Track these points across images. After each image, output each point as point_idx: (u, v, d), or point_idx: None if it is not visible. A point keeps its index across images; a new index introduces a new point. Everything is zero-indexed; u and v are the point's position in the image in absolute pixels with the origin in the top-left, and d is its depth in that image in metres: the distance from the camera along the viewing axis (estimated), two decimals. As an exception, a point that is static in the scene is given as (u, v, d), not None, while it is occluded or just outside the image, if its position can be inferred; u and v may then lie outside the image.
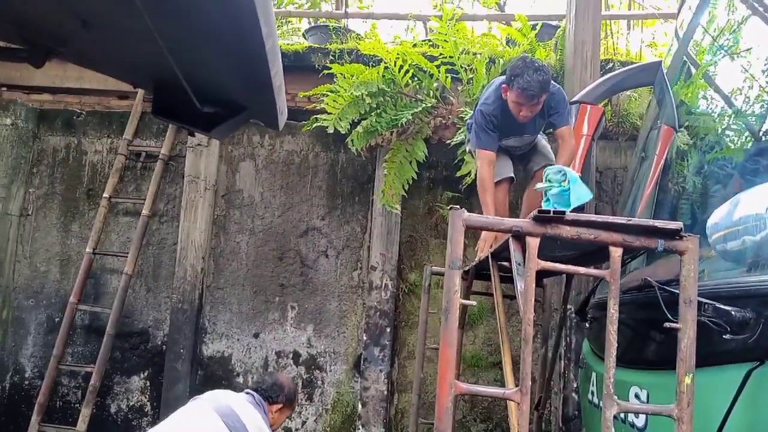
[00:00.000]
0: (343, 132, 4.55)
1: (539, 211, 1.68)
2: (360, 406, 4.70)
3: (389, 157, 4.63)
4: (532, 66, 2.99)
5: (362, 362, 4.75)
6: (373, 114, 4.66)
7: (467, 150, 4.07)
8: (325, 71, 4.78)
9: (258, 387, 2.92)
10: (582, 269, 1.74)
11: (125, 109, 5.28)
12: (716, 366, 1.78)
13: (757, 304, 1.72)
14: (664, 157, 3.47)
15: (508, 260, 2.20)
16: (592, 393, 2.89)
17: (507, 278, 3.51)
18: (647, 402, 2.21)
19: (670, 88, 3.55)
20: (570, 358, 4.38)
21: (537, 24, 5.32)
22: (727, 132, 3.16)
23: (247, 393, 2.85)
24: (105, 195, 4.97)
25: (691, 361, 1.68)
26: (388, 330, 4.72)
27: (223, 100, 0.93)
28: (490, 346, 4.94)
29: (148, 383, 5.06)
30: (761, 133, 2.75)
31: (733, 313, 1.74)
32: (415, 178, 4.65)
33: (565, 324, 3.26)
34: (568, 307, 3.23)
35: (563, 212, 1.68)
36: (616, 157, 5.07)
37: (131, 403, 5.06)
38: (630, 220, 1.72)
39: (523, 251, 1.91)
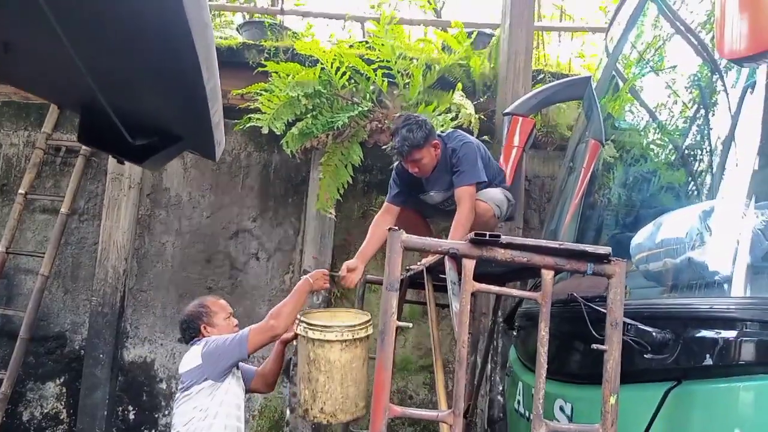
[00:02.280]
0: (278, 133, 4.46)
1: (476, 234, 1.70)
2: (288, 411, 4.64)
3: (325, 161, 4.58)
4: (405, 123, 3.02)
5: (292, 367, 4.69)
6: (309, 115, 4.60)
7: None
8: (260, 69, 4.68)
9: (183, 337, 2.93)
10: (515, 291, 1.77)
11: (45, 100, 4.98)
12: (637, 384, 1.86)
13: (676, 326, 1.80)
14: (590, 171, 3.60)
15: (443, 274, 2.22)
16: (519, 402, 2.96)
17: (439, 287, 3.56)
18: (571, 415, 2.28)
19: (598, 103, 3.67)
20: (497, 361, 4.49)
21: (473, 32, 5.39)
22: (651, 147, 3.31)
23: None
24: (21, 191, 4.68)
25: (616, 382, 1.74)
26: (319, 334, 4.67)
27: (157, 132, 0.88)
28: (419, 350, 4.99)
29: (64, 390, 4.81)
30: (684, 149, 2.90)
31: (654, 334, 1.82)
32: (351, 182, 4.62)
33: (494, 333, 3.32)
34: (498, 317, 3.30)
35: (498, 236, 1.71)
36: (545, 166, 5.22)
37: (45, 411, 4.80)
38: (561, 244, 1.77)
39: (459, 270, 1.93)
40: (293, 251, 4.97)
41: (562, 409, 2.35)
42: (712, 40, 2.85)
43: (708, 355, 1.67)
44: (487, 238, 1.68)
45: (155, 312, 4.87)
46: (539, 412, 1.71)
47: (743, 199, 1.85)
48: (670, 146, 3.06)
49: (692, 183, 2.33)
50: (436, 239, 1.82)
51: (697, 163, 2.29)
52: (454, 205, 3.14)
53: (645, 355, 1.84)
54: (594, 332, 2.04)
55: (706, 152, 2.23)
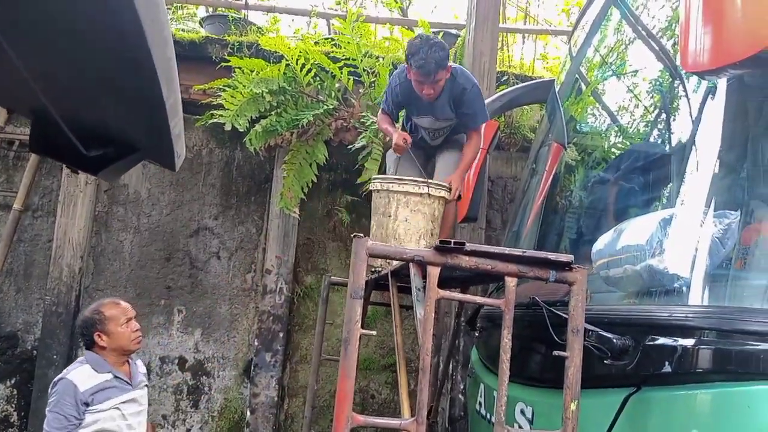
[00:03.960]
0: (242, 130, 4.39)
1: (440, 242, 1.69)
2: (249, 412, 4.58)
3: (289, 159, 4.53)
4: (427, 43, 3.02)
5: (253, 368, 4.63)
6: (273, 113, 4.54)
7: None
8: (223, 64, 4.60)
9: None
10: (479, 298, 1.78)
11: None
12: (598, 389, 1.88)
13: (636, 333, 1.83)
14: (552, 173, 3.64)
15: (408, 278, 2.21)
16: (480, 404, 2.98)
17: (404, 288, 3.56)
18: (532, 418, 2.31)
19: (561, 107, 3.72)
20: (458, 360, 4.51)
21: (439, 32, 5.40)
22: (612, 151, 3.37)
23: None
24: (-30, 186, 4.50)
25: (577, 388, 1.76)
26: (281, 335, 4.63)
27: (113, 143, 0.84)
28: (382, 349, 4.99)
29: (15, 392, 4.65)
30: (644, 155, 2.95)
31: (614, 340, 1.84)
32: (315, 180, 4.58)
33: (458, 335, 3.33)
34: (461, 319, 3.31)
35: (463, 243, 1.71)
36: (508, 167, 5.26)
37: (-6, 414, 4.64)
38: (525, 252, 1.78)
39: (423, 275, 1.93)
40: (255, 250, 4.90)
41: (522, 412, 2.37)
42: (674, 46, 2.92)
43: (667, 362, 1.69)
44: (452, 245, 1.68)
45: (112, 311, 4.75)
46: (501, 419, 1.72)
47: (702, 207, 1.88)
48: (631, 151, 3.12)
49: (652, 189, 2.37)
50: (400, 247, 1.81)
51: (657, 170, 2.33)
52: (440, 138, 3.47)
53: (605, 362, 1.87)
54: (555, 337, 2.06)
55: (666, 159, 2.28)
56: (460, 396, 4.69)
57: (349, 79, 4.79)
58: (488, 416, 2.77)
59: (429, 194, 2.72)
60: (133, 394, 2.70)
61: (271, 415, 4.54)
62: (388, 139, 3.69)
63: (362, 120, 4.65)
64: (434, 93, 3.14)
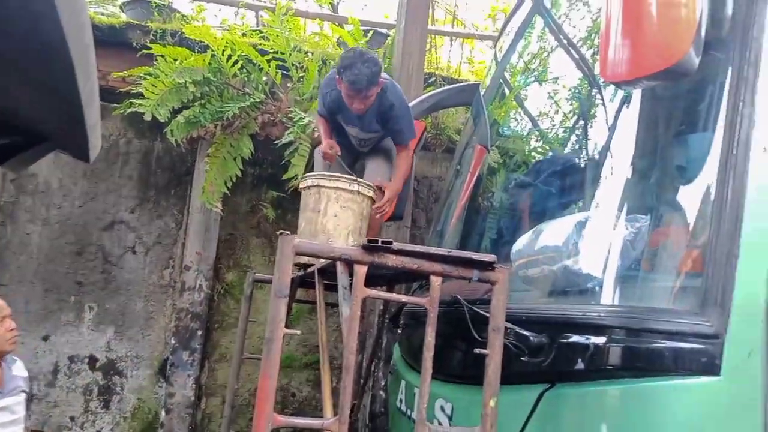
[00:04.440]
0: (162, 120, 4.23)
1: (368, 240, 1.69)
2: (164, 413, 4.43)
3: (212, 152, 4.40)
4: (360, 58, 3.00)
5: (169, 367, 4.48)
6: (196, 104, 4.40)
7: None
8: (144, 51, 4.42)
9: None
10: (404, 297, 1.79)
11: None
12: (514, 386, 1.94)
13: (551, 331, 1.89)
14: (476, 175, 3.72)
15: (333, 276, 2.20)
16: (401, 400, 3.01)
17: (329, 286, 3.54)
18: (451, 415, 2.35)
19: (485, 110, 3.81)
20: (380, 357, 4.54)
21: (369, 30, 5.41)
22: (532, 155, 3.48)
23: None
24: None
25: (496, 385, 1.81)
26: (200, 333, 4.51)
27: (21, 131, 0.78)
28: (305, 347, 4.95)
29: None
30: (563, 160, 3.07)
31: (531, 338, 1.91)
32: (239, 175, 4.48)
33: (382, 332, 3.35)
34: (386, 317, 3.33)
35: (390, 242, 1.72)
36: (433, 167, 5.34)
37: None
38: (450, 252, 1.81)
39: (350, 274, 1.92)
40: (174, 245, 4.74)
41: (442, 408, 2.41)
42: (593, 56, 3.05)
43: (579, 359, 1.77)
44: (380, 244, 1.68)
45: (17, 308, 4.42)
46: (423, 417, 1.74)
47: (614, 210, 1.98)
48: (549, 156, 3.24)
49: (569, 193, 2.46)
50: (328, 245, 1.80)
51: (573, 174, 2.43)
52: (368, 147, 3.51)
53: (522, 359, 1.93)
54: (475, 334, 2.11)
55: (582, 164, 2.37)
56: (381, 392, 4.72)
57: (277, 72, 4.72)
58: (408, 412, 2.80)
59: (359, 192, 2.72)
60: (5, 401, 2.48)
61: (187, 415, 4.41)
62: (316, 135, 3.67)
63: (290, 115, 4.59)
64: (364, 107, 3.14)
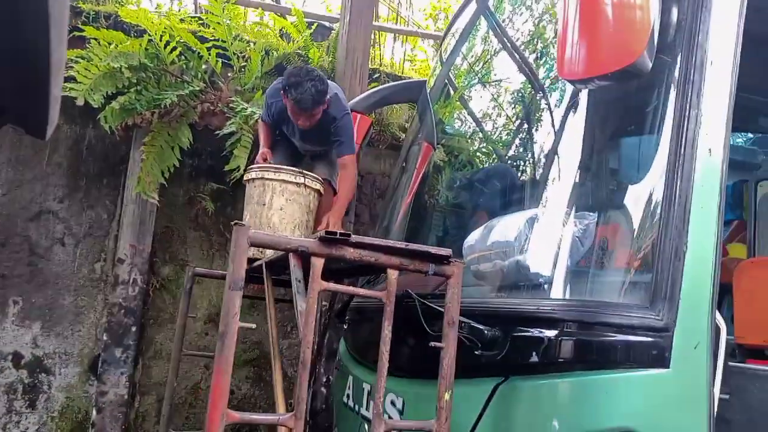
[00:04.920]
0: (95, 106, 4.02)
1: (326, 232, 1.66)
2: (95, 412, 4.23)
3: (149, 140, 4.23)
4: (308, 77, 2.98)
5: (101, 364, 4.28)
6: (132, 90, 4.22)
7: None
8: (76, 33, 4.18)
9: None
10: (361, 290, 1.77)
11: None
12: (468, 379, 1.95)
13: (504, 325, 1.92)
14: (422, 172, 3.74)
15: (286, 270, 2.15)
16: (348, 396, 2.98)
17: (277, 281, 3.46)
18: (402, 409, 2.35)
19: (431, 108, 3.83)
20: (322, 353, 4.49)
21: (313, 23, 5.34)
22: (477, 153, 3.53)
23: None
24: None
25: (450, 378, 1.81)
26: (134, 329, 4.32)
27: None
28: (244, 343, 4.83)
29: None
30: (510, 158, 3.13)
31: (485, 331, 1.92)
32: (177, 165, 4.32)
33: (328, 328, 3.31)
34: (331, 312, 3.29)
35: (349, 234, 1.69)
36: (377, 163, 5.33)
37: None
38: (407, 245, 1.80)
39: (304, 268, 1.88)
40: (106, 237, 4.53)
41: (393, 403, 2.40)
42: (537, 56, 3.12)
43: (534, 353, 1.79)
44: (338, 236, 1.65)
45: (-70, 303, 4.15)
46: (380, 411, 1.73)
47: (566, 207, 2.02)
48: (496, 154, 3.29)
49: (519, 191, 2.50)
50: (284, 236, 1.75)
51: (524, 172, 2.47)
52: (313, 152, 3.47)
53: (476, 352, 1.94)
54: (427, 328, 2.11)
55: (534, 163, 2.41)
56: (322, 389, 4.67)
57: (217, 61, 4.59)
58: (357, 408, 2.78)
59: (305, 185, 2.67)
60: None
61: (120, 414, 4.23)
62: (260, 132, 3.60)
63: (232, 105, 4.47)
64: (309, 124, 3.12)
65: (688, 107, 1.76)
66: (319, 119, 3.15)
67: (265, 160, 3.16)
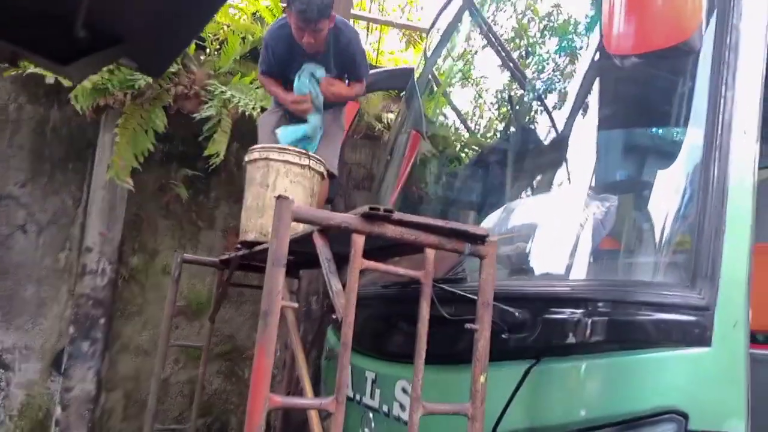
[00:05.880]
0: (67, 85, 3.79)
1: (370, 208, 1.58)
2: (59, 409, 3.99)
3: (122, 123, 4.02)
4: None
5: (66, 358, 4.04)
6: (105, 69, 3.98)
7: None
8: (42, 7, 3.93)
9: None
10: (401, 270, 1.70)
11: None
12: (499, 362, 1.91)
13: (533, 307, 1.89)
14: (411, 160, 3.69)
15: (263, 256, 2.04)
16: (348, 386, 2.90)
17: (255, 267, 3.34)
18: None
19: (420, 97, 3.78)
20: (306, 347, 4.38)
21: (289, 7, 5.19)
22: (464, 145, 3.51)
23: None
24: None
25: (485, 361, 1.76)
26: (102, 321, 4.10)
27: (99, 27, 0.60)
28: (216, 337, 4.66)
29: None
30: (492, 149, 3.11)
31: (516, 314, 1.89)
32: (152, 150, 4.12)
33: (324, 320, 3.22)
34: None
35: (391, 211, 1.62)
36: (353, 153, 5.25)
37: None
38: (447, 223, 1.74)
39: (331, 245, 1.80)
40: (72, 225, 4.28)
41: (404, 390, 2.34)
42: (519, 57, 3.11)
43: (569, 333, 1.77)
44: (382, 212, 1.58)
45: None
46: (418, 394, 1.67)
47: (601, 190, 2.01)
48: (480, 146, 3.28)
49: (546, 170, 2.46)
50: (326, 211, 1.66)
51: (555, 152, 2.43)
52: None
53: (504, 336, 1.91)
54: (444, 313, 2.06)
55: (574, 146, 2.37)
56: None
57: (191, 43, 4.40)
58: (359, 398, 2.70)
59: (310, 167, 2.57)
60: None
61: (87, 411, 4.00)
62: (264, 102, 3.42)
63: (208, 88, 4.30)
64: (315, 43, 2.98)
65: (723, 88, 1.77)
66: (330, 41, 3.06)
67: (301, 103, 3.08)
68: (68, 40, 0.64)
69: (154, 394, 2.97)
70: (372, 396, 2.60)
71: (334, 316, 3.51)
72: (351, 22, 5.81)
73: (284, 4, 2.94)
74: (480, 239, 1.79)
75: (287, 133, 3.03)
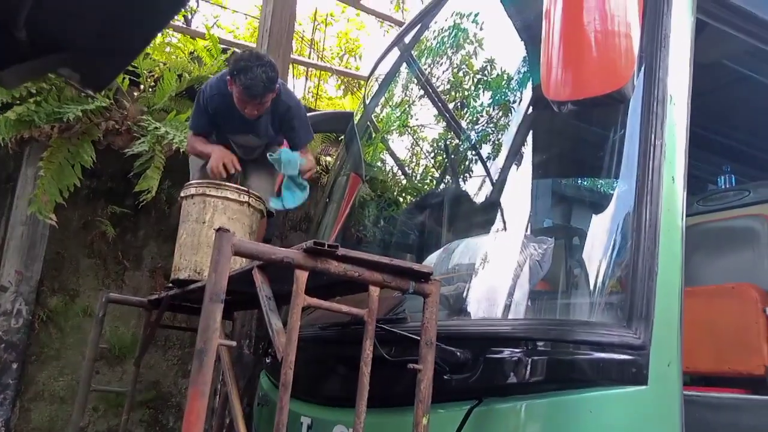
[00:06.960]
0: (-13, 114, 3.60)
1: (314, 242, 1.55)
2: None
3: (47, 156, 3.83)
4: (258, 62, 2.80)
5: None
6: (31, 100, 3.82)
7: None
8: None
9: None
10: (344, 308, 1.65)
11: None
12: (441, 403, 1.88)
13: (476, 346, 1.88)
14: (351, 202, 3.68)
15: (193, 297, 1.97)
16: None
17: (186, 308, 3.21)
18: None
19: (359, 140, 3.81)
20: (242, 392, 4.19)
21: (228, 49, 5.18)
22: (402, 189, 3.54)
23: None
24: None
25: (428, 402, 1.73)
26: (15, 366, 3.80)
27: (42, 32, 0.56)
28: (140, 383, 4.39)
29: None
30: (430, 194, 3.15)
31: (457, 353, 1.87)
32: (78, 185, 3.93)
33: (258, 366, 3.09)
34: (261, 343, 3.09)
35: (336, 246, 1.59)
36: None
37: None
38: (392, 260, 1.72)
39: (270, 282, 1.74)
40: (-14, 263, 3.99)
41: (342, 436, 2.26)
42: (455, 106, 3.20)
43: (510, 373, 1.76)
44: (326, 248, 1.54)
45: None
46: (360, 437, 1.61)
47: (537, 231, 2.05)
48: (416, 191, 3.33)
49: (480, 213, 2.50)
50: (270, 246, 1.61)
51: (484, 196, 2.48)
52: (255, 154, 3.29)
53: (447, 376, 1.88)
54: (385, 355, 2.02)
55: (501, 185, 2.41)
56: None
57: (124, 78, 4.31)
58: (294, 444, 2.59)
59: (249, 204, 2.51)
60: None
61: (-9, 467, 3.66)
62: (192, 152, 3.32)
63: (142, 124, 4.18)
64: (257, 113, 2.94)
65: (653, 137, 1.86)
66: (269, 108, 3.00)
67: (232, 163, 2.99)
68: (7, 44, 0.60)
69: (69, 445, 2.74)
70: (307, 441, 2.50)
71: (268, 360, 3.39)
72: (290, 67, 5.86)
73: (228, 76, 2.89)
74: (424, 277, 1.78)
75: (294, 199, 3.08)
